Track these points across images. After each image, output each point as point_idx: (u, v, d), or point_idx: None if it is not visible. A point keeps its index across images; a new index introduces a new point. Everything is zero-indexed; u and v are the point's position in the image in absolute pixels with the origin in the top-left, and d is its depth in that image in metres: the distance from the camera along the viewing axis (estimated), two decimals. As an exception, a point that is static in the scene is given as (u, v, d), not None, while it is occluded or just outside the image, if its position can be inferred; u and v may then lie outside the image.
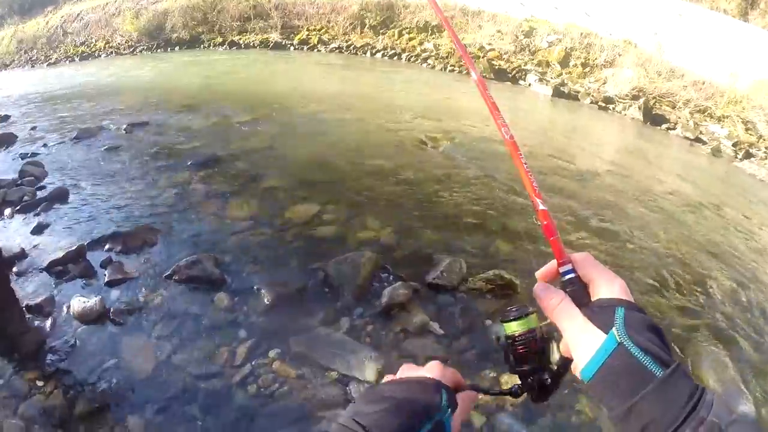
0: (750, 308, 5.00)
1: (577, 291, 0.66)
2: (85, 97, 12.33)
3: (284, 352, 3.57)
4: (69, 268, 4.37)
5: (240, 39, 22.15)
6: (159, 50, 22.81)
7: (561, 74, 16.10)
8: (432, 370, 0.72)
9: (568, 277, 0.68)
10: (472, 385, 0.75)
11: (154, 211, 5.51)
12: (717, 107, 13.74)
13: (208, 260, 4.41)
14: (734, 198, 8.97)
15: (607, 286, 0.65)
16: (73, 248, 4.52)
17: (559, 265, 0.69)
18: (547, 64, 16.67)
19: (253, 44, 21.66)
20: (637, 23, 15.98)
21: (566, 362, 0.67)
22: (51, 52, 26.10)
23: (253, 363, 3.47)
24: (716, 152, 12.14)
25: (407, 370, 0.74)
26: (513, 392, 0.73)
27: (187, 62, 18.63)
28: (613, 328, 0.59)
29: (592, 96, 14.75)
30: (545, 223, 0.72)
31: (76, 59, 23.71)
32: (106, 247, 4.74)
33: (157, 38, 23.54)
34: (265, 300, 4.06)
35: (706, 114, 13.80)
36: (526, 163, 0.76)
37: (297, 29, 21.94)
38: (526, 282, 4.53)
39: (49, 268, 4.36)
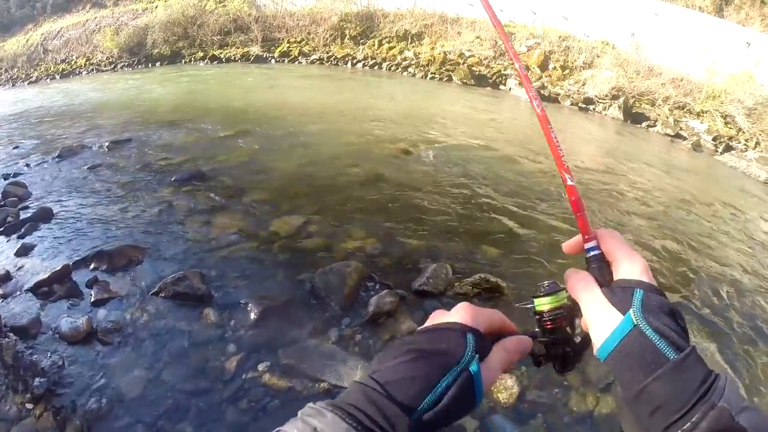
0: (736, 298, 5.10)
1: (600, 269, 0.68)
2: (67, 115, 12.27)
3: (274, 365, 3.58)
4: (55, 288, 4.34)
5: (221, 53, 22.17)
6: (140, 66, 22.78)
7: (541, 78, 16.31)
8: (458, 313, 0.66)
9: (592, 254, 0.69)
10: (529, 334, 0.71)
11: (138, 229, 5.50)
12: (696, 103, 13.99)
13: (194, 276, 4.40)
14: (716, 191, 9.13)
15: (628, 266, 0.66)
16: (59, 268, 4.48)
17: (585, 241, 0.70)
18: (527, 68, 16.85)
19: (234, 58, 21.70)
20: (614, 24, 16.25)
21: (588, 337, 0.68)
22: (32, 70, 25.98)
23: (243, 377, 3.47)
24: (697, 147, 12.34)
25: (436, 317, 0.68)
26: (536, 362, 0.73)
27: (169, 77, 18.56)
28: (630, 310, 0.60)
29: (572, 98, 14.97)
30: (573, 198, 0.73)
31: (57, 77, 23.60)
32: (92, 266, 4.72)
33: (137, 54, 23.52)
34: (253, 313, 4.06)
35: (685, 110, 14.05)
36: (556, 138, 0.76)
37: (278, 42, 22.01)
38: (512, 284, 4.60)
39: (35, 289, 4.32)
